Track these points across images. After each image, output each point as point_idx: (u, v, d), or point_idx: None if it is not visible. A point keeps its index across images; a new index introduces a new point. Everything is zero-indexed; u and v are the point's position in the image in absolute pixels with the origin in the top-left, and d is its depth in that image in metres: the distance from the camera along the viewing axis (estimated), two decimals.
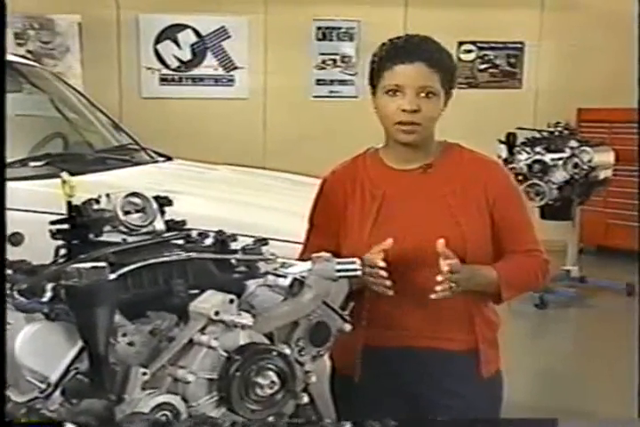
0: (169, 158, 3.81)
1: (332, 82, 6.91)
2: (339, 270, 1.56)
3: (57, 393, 1.26)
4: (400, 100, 1.79)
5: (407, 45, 1.83)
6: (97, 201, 1.46)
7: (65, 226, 1.44)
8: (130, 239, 1.45)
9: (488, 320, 1.93)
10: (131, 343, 1.32)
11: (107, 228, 1.44)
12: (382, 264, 1.73)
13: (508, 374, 1.99)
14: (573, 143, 5.37)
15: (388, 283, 1.73)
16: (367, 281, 1.75)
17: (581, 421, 3.16)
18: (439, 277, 1.71)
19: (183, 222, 1.56)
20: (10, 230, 1.36)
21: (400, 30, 6.42)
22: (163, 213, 1.52)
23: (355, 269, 1.58)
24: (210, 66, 6.80)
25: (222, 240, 1.53)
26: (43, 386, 1.26)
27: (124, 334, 1.32)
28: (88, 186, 1.65)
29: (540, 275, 1.93)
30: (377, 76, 1.85)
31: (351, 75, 6.86)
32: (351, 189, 1.93)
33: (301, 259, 1.79)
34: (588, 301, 5.49)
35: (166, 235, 1.50)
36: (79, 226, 1.42)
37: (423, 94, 1.79)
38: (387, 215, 1.87)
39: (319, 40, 6.85)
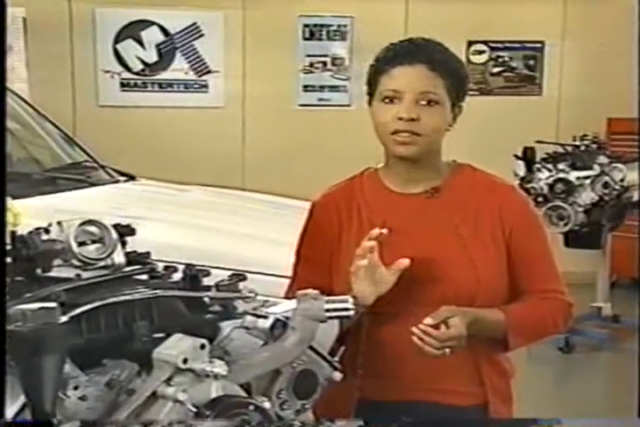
0: (132, 178, 3.83)
1: (321, 88, 6.96)
2: (328, 310, 1.57)
3: None
4: (397, 107, 1.82)
5: (408, 46, 1.87)
6: (46, 230, 1.46)
7: (7, 259, 1.44)
8: (85, 275, 1.45)
9: (499, 369, 1.94)
10: (83, 398, 1.32)
11: (57, 261, 1.45)
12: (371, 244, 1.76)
13: None
14: (603, 159, 5.40)
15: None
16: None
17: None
18: (430, 344, 1.71)
19: (147, 254, 1.56)
20: None
21: (400, 28, 6.50)
22: (124, 243, 1.53)
23: (346, 309, 1.59)
24: (179, 69, 6.83)
25: (193, 275, 1.54)
26: None
27: (76, 387, 1.31)
28: (35, 211, 1.67)
29: (559, 321, 1.94)
30: (373, 81, 1.89)
31: (343, 79, 6.91)
32: (346, 215, 1.95)
33: (288, 297, 1.80)
34: (623, 344, 5.48)
35: (127, 269, 1.50)
36: (24, 259, 1.43)
37: (424, 102, 1.82)
38: (387, 247, 1.88)
39: (306, 39, 6.91)
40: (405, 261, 1.77)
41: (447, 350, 1.72)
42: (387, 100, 1.84)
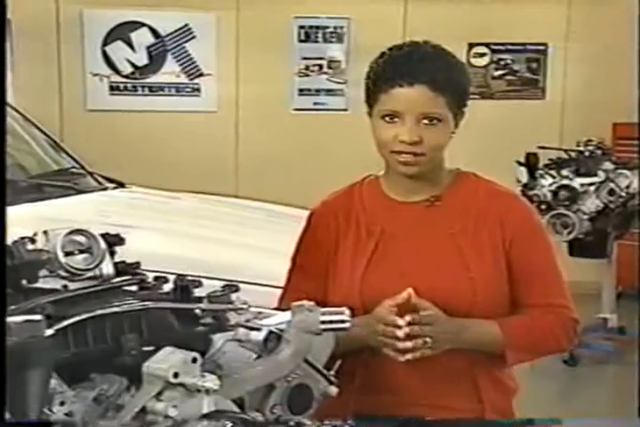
0: (121, 185, 3.84)
1: (317, 92, 6.97)
2: (323, 322, 1.57)
3: None
4: (399, 127, 1.81)
5: (407, 62, 1.82)
6: (32, 240, 1.46)
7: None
8: (72, 286, 1.45)
9: (499, 385, 1.94)
10: (69, 414, 1.32)
11: (43, 272, 1.45)
12: (401, 322, 1.74)
13: None
14: (608, 165, 5.41)
15: (401, 345, 1.74)
16: (376, 340, 1.77)
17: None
18: (405, 329, 1.73)
19: (137, 264, 1.56)
20: None
21: (399, 30, 6.52)
22: (112, 253, 1.53)
23: (342, 321, 1.59)
24: (170, 72, 6.84)
25: (184, 286, 1.54)
26: None
27: (62, 403, 1.31)
28: (21, 220, 1.66)
29: (561, 337, 1.92)
30: (372, 97, 1.87)
31: (340, 83, 6.92)
32: (345, 223, 1.96)
33: (280, 307, 1.81)
34: (629, 356, 5.47)
35: (116, 280, 1.50)
36: (9, 270, 1.42)
37: (426, 121, 1.81)
38: (384, 256, 1.89)
39: (302, 41, 6.92)
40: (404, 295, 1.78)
41: (428, 339, 1.73)
42: (387, 119, 1.83)
